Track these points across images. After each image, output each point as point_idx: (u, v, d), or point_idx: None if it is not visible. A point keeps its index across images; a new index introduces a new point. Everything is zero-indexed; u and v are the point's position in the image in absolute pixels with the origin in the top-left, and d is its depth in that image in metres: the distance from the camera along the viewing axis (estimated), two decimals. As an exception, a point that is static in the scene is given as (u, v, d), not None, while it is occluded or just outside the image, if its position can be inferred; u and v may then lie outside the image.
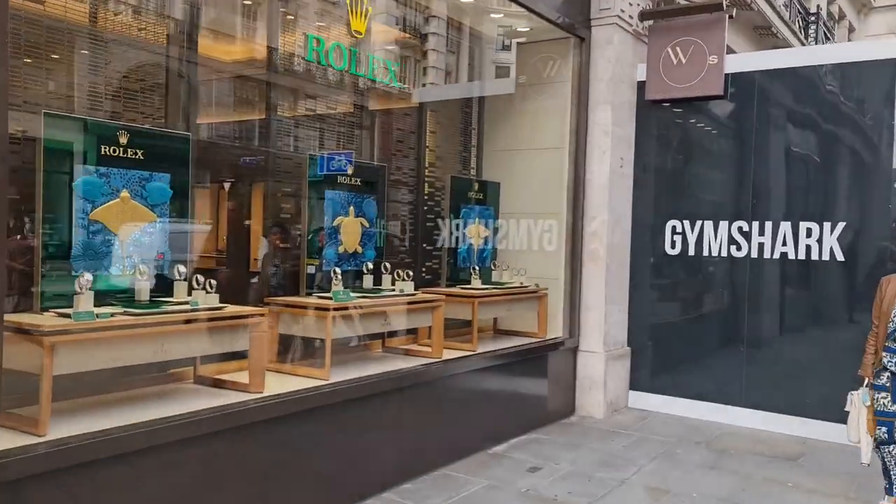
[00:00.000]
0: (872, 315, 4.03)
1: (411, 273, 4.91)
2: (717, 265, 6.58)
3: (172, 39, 4.42)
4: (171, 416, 3.17)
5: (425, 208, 6.14)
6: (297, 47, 4.93)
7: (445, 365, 5.02)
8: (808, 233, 6.08)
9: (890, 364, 3.88)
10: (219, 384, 3.81)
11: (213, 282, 3.54)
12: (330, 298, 4.25)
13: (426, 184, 6.56)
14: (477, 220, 6.09)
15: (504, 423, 5.63)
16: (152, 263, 4.18)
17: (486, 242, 6.21)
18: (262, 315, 3.68)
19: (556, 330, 6.53)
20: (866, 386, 3.96)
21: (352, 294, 4.38)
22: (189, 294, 3.51)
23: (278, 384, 3.91)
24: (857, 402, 3.96)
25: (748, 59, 6.59)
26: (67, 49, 3.85)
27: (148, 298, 3.36)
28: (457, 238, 5.89)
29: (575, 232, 6.56)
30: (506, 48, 7.43)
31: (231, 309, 3.59)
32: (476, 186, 6.12)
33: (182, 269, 3.52)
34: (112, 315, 3.09)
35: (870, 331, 4.05)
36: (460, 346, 5.46)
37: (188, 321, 3.33)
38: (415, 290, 5.14)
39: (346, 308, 4.25)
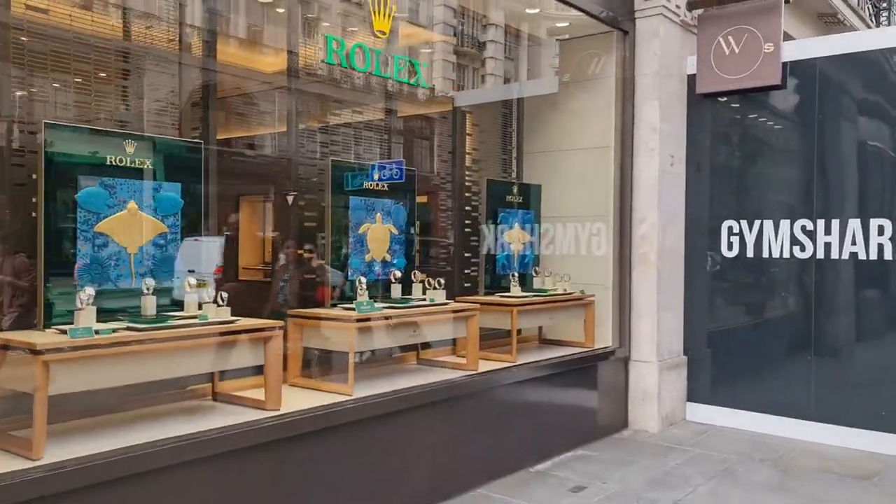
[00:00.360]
0: None
1: (443, 281, 4.68)
2: (780, 267, 6.12)
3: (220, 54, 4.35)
4: (173, 437, 3.02)
5: (462, 213, 5.92)
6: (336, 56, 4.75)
7: (482, 377, 4.76)
8: (881, 230, 5.57)
9: None
10: (236, 401, 3.66)
11: (225, 294, 3.39)
12: (353, 309, 4.06)
13: (464, 188, 6.34)
14: (517, 224, 5.82)
15: (549, 438, 5.33)
16: (211, 277, 4.12)
17: (527, 248, 5.93)
18: (278, 328, 3.51)
19: (605, 339, 6.19)
20: None
21: (376, 305, 4.18)
22: (199, 308, 3.38)
23: (299, 400, 3.74)
24: None
25: (808, 46, 6.12)
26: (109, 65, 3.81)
27: (154, 313, 3.23)
28: (496, 244, 5.63)
29: (623, 235, 6.22)
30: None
31: (244, 322, 3.44)
32: (515, 189, 5.86)
33: (193, 281, 3.39)
34: (113, 331, 2.97)
35: None
36: (500, 357, 5.20)
37: (195, 336, 3.18)
38: (448, 298, 4.92)
39: (369, 319, 4.05)
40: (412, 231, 4.84)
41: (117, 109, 3.91)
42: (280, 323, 3.54)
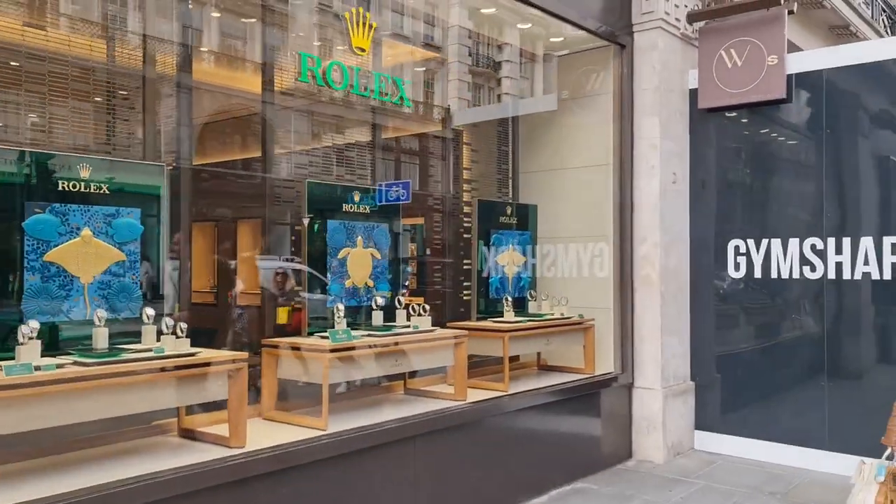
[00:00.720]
0: None
1: (428, 307, 4.47)
2: (790, 288, 5.84)
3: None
4: (120, 480, 2.82)
5: (457, 235, 5.72)
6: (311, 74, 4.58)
7: (470, 408, 4.53)
8: (894, 249, 5.29)
9: None
10: (202, 437, 3.46)
11: (184, 325, 3.21)
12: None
13: (460, 209, 6.17)
14: (511, 246, 5.60)
15: (546, 471, 5.07)
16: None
17: (522, 270, 5.71)
18: (241, 360, 3.32)
19: (607, 364, 5.94)
20: (888, 458, 2.98)
21: (355, 333, 3.98)
22: (158, 339, 3.20)
23: (270, 436, 3.54)
24: (868, 475, 3.01)
25: (814, 57, 5.89)
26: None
27: (106, 346, 3.05)
28: (488, 266, 5.42)
29: (623, 256, 5.98)
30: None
31: (205, 355, 3.24)
32: (508, 210, 5.64)
33: (151, 312, 3.21)
34: (57, 367, 2.80)
35: None
36: (491, 386, 4.97)
37: (147, 371, 3.00)
38: (441, 324, 4.71)
39: (345, 349, 3.85)
40: (422, 253, 4.64)
41: (87, 132, 3.78)
42: (244, 355, 3.35)
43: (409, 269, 6.40)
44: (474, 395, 4.73)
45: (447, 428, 4.33)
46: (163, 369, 3.02)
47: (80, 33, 3.54)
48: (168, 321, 3.16)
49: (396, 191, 6.48)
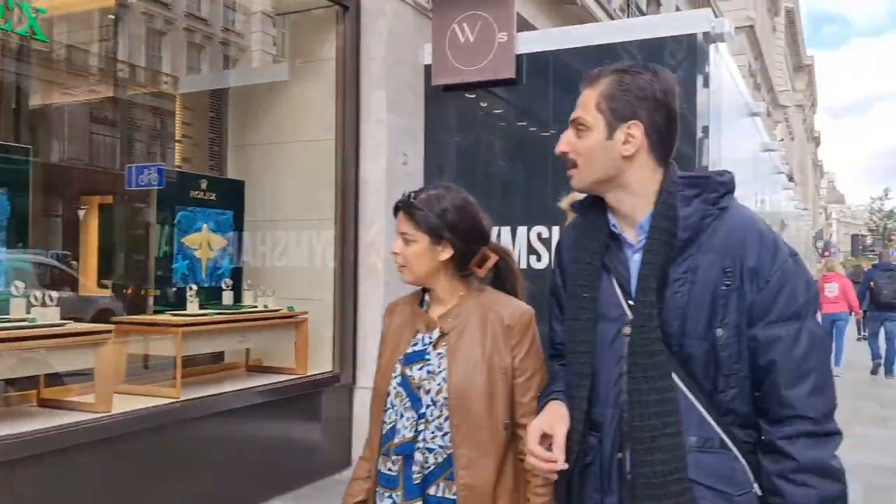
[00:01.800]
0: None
1: (54, 296, 3.53)
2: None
3: None
4: None
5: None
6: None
7: (112, 421, 3.64)
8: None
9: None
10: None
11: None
12: None
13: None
14: (205, 227, 4.79)
15: (230, 489, 4.31)
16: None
17: (220, 255, 4.91)
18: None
19: (325, 363, 5.30)
20: None
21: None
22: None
23: None
24: None
25: (542, 38, 5.66)
26: None
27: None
28: (172, 251, 4.56)
29: (346, 242, 5.38)
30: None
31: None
32: (203, 184, 4.82)
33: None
34: None
35: None
36: (162, 392, 4.12)
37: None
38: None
39: None
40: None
41: None
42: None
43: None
44: (133, 404, 3.87)
45: (75, 446, 3.43)
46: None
47: None
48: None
49: (149, 175, 5.43)
